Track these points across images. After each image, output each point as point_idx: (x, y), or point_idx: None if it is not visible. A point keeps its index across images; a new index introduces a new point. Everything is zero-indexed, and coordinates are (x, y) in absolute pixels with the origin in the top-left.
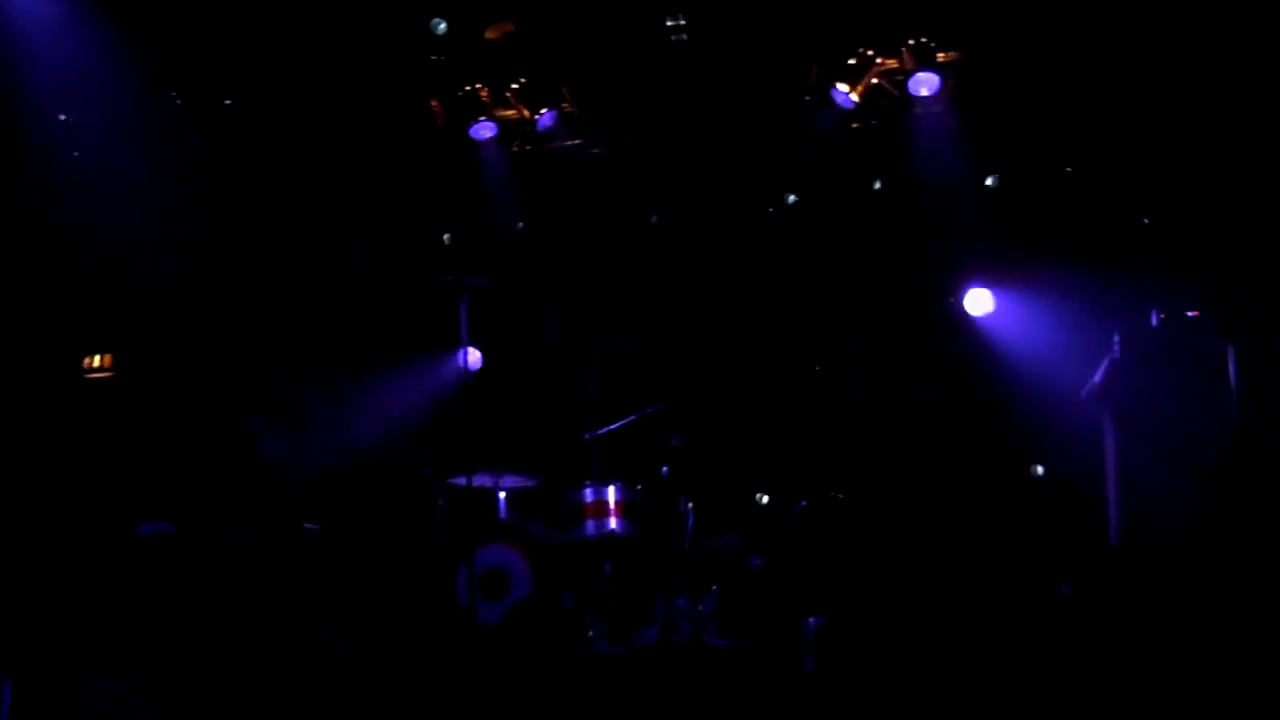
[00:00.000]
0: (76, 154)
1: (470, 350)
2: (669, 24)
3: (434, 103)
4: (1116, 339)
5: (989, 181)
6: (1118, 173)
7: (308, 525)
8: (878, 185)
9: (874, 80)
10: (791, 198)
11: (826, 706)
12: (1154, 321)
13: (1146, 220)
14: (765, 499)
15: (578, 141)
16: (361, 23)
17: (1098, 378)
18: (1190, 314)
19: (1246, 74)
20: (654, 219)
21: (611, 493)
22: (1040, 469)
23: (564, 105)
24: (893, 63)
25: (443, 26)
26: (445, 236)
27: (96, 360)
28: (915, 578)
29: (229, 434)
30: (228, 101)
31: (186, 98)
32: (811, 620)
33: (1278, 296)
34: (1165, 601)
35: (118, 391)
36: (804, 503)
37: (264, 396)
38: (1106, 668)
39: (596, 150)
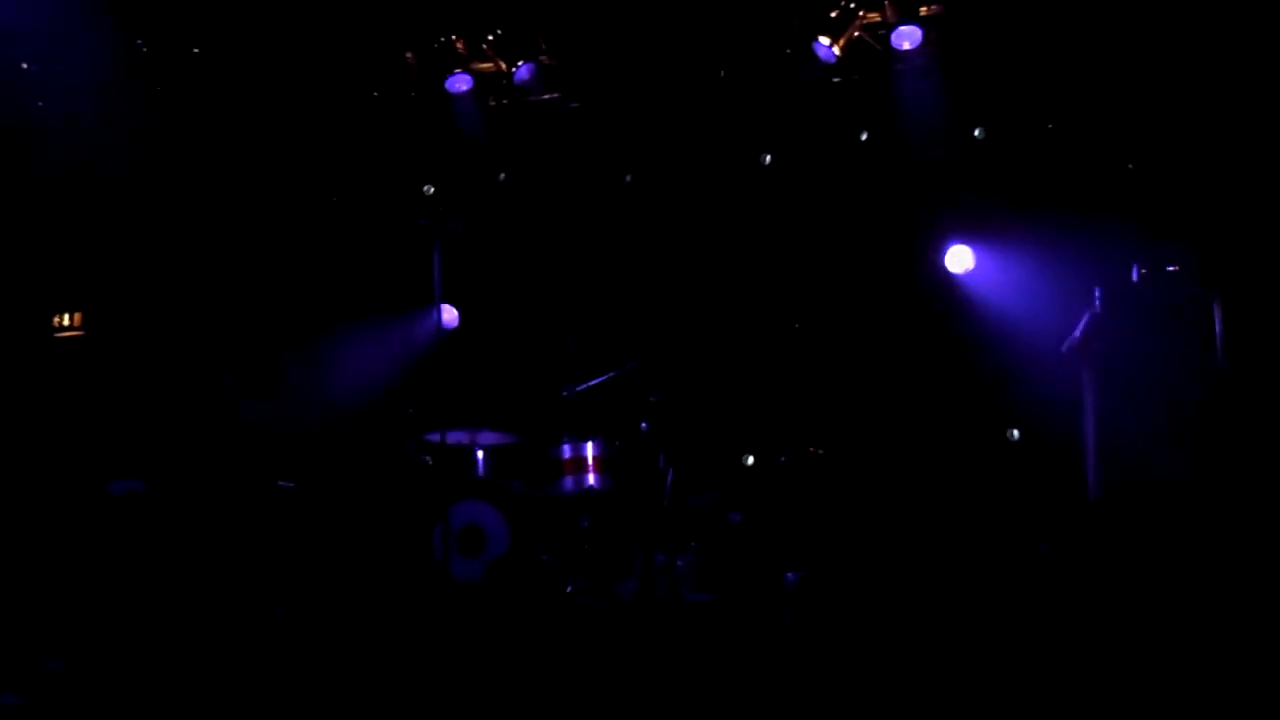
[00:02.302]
0: (41, 103)
1: (447, 307)
2: None
3: (408, 54)
4: (1098, 293)
5: (976, 133)
6: (1100, 127)
7: (282, 483)
8: (865, 136)
9: (856, 33)
10: (767, 158)
11: (805, 661)
12: (1135, 276)
13: (1130, 166)
14: (751, 459)
15: (555, 94)
16: None
17: (1078, 332)
18: (1171, 268)
19: (1231, 27)
20: (629, 178)
21: (590, 449)
22: (1016, 433)
23: (541, 58)
24: (875, 16)
25: None
26: (427, 188)
27: (66, 319)
28: (893, 533)
29: (202, 391)
30: (195, 50)
31: (153, 45)
32: (791, 575)
33: (1260, 248)
34: (1145, 558)
35: (88, 350)
36: (783, 459)
37: (239, 353)
38: (1084, 625)
39: (574, 104)
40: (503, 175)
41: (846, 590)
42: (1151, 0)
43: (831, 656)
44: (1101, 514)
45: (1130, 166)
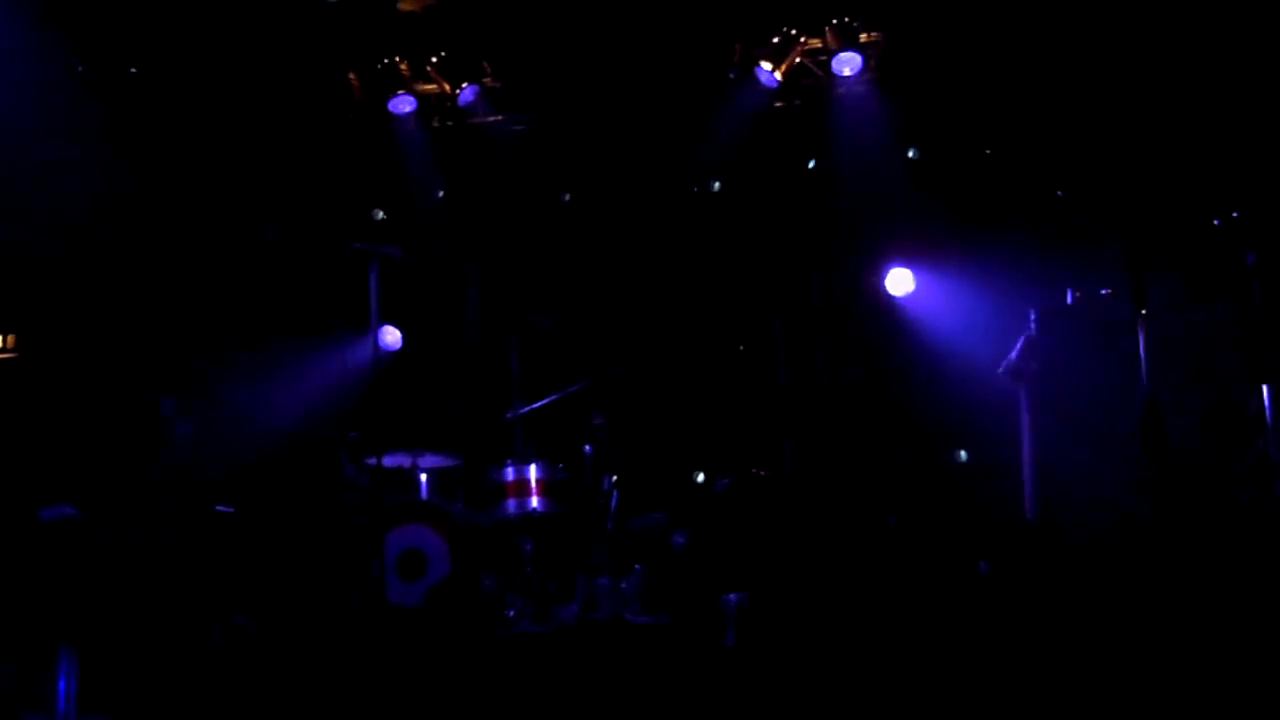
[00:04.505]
0: None
1: (389, 328)
2: None
3: (351, 75)
4: (1033, 316)
5: (910, 154)
6: (1035, 153)
7: (220, 508)
8: (812, 164)
9: (798, 59)
10: (716, 184)
11: (747, 682)
12: (1069, 299)
13: (1060, 194)
14: (701, 477)
15: (499, 117)
16: None
17: (1014, 354)
18: (1104, 291)
19: (1162, 53)
20: (567, 197)
21: (533, 471)
22: (964, 454)
23: (485, 80)
24: (816, 42)
25: None
26: (378, 213)
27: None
28: (836, 555)
29: (138, 415)
30: (133, 70)
31: (90, 65)
32: (733, 596)
33: (1187, 271)
34: (1080, 575)
35: (21, 373)
36: (726, 480)
37: (176, 377)
38: (1023, 642)
39: (518, 126)
40: (441, 193)
41: (789, 612)
42: (1084, 30)
43: (773, 679)
44: (1037, 530)
45: (1060, 194)
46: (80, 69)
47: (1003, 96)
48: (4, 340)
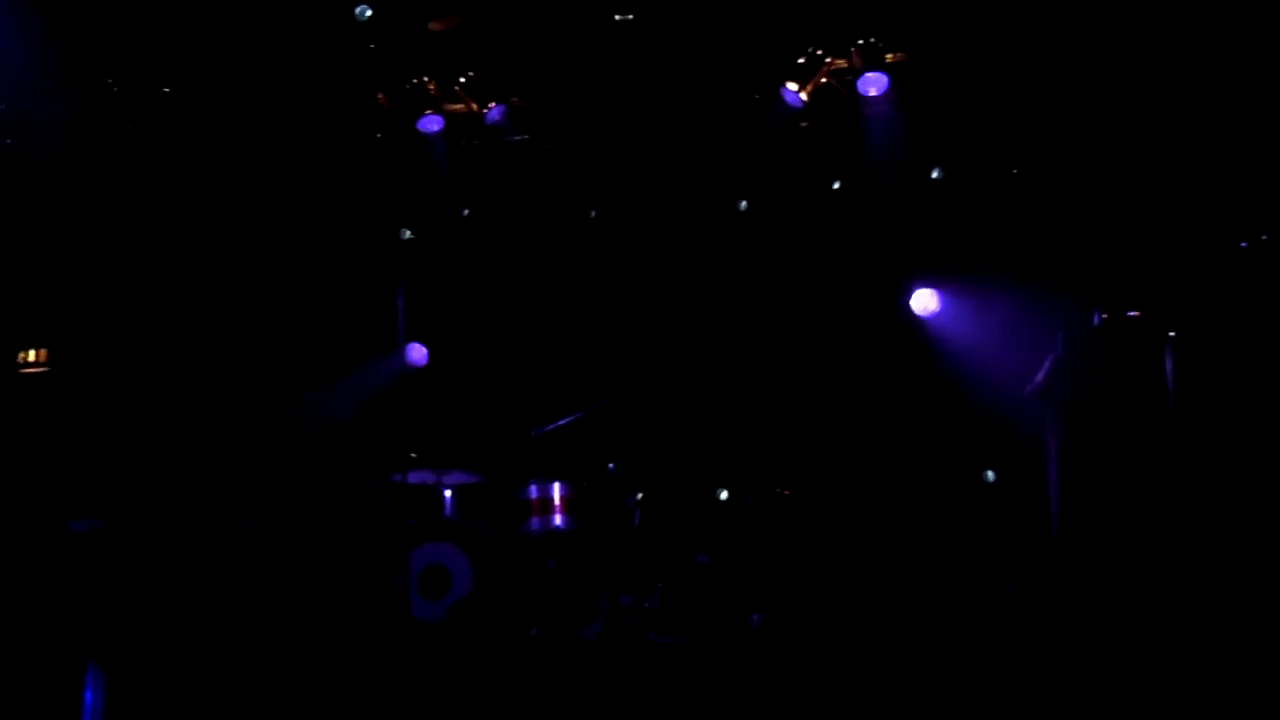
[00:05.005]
0: (10, 141)
1: (416, 346)
2: (617, 18)
3: (380, 95)
4: (1060, 338)
5: (934, 174)
6: (1062, 174)
7: (245, 523)
8: (836, 185)
9: (823, 79)
10: (743, 204)
11: (769, 702)
12: (1096, 321)
13: (1087, 214)
14: (724, 495)
15: (526, 136)
16: (306, 10)
17: (1041, 375)
18: (1131, 313)
19: (1186, 77)
20: (593, 214)
21: (556, 489)
22: (991, 474)
23: (513, 99)
24: (842, 63)
25: (369, 13)
26: (406, 232)
27: (31, 355)
28: (860, 575)
29: (167, 430)
30: (166, 89)
31: (123, 85)
32: (756, 615)
33: (1214, 294)
34: (1106, 597)
35: (53, 387)
36: (750, 500)
37: (205, 393)
38: (1048, 664)
39: (545, 145)
40: (466, 211)
41: (812, 633)
42: (1112, 49)
43: (796, 699)
44: (1062, 551)
45: (1086, 214)
46: (114, 89)
47: (1028, 117)
48: (37, 354)
